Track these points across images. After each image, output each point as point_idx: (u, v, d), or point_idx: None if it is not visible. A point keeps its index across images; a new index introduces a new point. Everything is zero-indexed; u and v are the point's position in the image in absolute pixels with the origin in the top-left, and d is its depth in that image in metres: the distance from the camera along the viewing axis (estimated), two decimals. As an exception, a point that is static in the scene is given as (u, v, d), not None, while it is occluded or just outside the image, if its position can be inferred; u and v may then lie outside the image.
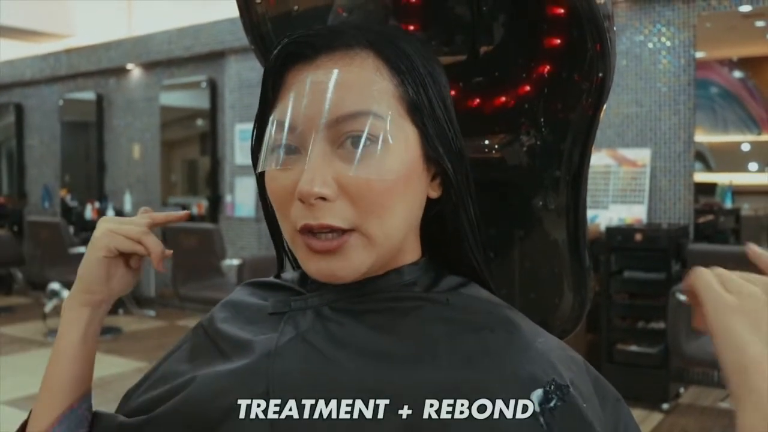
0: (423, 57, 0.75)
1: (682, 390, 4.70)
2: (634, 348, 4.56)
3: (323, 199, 0.68)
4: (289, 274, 0.86)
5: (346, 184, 0.69)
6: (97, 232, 0.83)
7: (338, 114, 0.69)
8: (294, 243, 0.73)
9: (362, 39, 0.73)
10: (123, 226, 0.83)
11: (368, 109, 0.70)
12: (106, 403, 0.86)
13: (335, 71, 0.71)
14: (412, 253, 0.78)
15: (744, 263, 0.69)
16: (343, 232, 0.70)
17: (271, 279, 0.86)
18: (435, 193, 0.77)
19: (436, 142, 0.74)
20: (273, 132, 0.73)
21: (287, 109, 0.72)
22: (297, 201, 0.70)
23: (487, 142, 0.89)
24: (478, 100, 0.88)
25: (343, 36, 0.73)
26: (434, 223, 0.79)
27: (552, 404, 0.65)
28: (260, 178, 0.78)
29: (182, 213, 0.90)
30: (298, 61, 0.73)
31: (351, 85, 0.70)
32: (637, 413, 4.24)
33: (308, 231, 0.70)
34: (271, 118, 0.74)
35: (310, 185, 0.67)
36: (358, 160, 0.69)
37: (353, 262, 0.71)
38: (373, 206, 0.70)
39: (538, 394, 0.65)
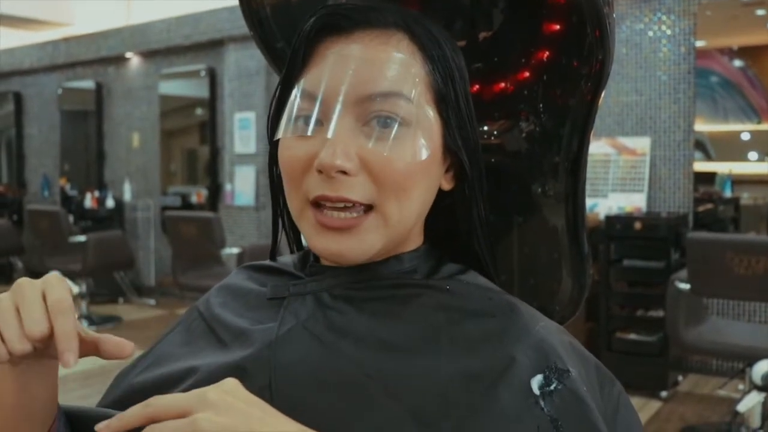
0: (452, 49, 0.75)
1: (680, 378, 4.72)
2: (633, 336, 4.58)
3: (343, 173, 0.68)
4: (286, 258, 0.85)
5: (368, 161, 0.68)
6: None
7: (370, 91, 0.69)
8: (302, 216, 0.72)
9: (399, 20, 0.72)
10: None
11: (401, 91, 0.69)
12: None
13: (372, 48, 0.70)
14: (415, 241, 0.78)
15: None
16: (361, 208, 0.69)
17: (268, 262, 0.85)
18: (447, 185, 0.77)
19: (457, 134, 0.74)
20: (297, 101, 0.72)
21: (316, 80, 0.71)
22: (314, 172, 0.69)
23: (486, 128, 0.89)
24: (477, 87, 0.88)
25: (381, 13, 0.72)
26: (440, 213, 0.79)
27: (552, 388, 0.65)
28: (272, 148, 0.77)
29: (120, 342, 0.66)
30: (332, 32, 0.72)
31: (386, 64, 0.70)
32: (636, 401, 4.25)
33: (321, 205, 0.69)
34: (296, 87, 0.73)
35: (332, 158, 0.67)
36: (385, 140, 0.69)
37: (364, 243, 0.70)
38: (394, 186, 0.69)
39: (538, 378, 0.65)
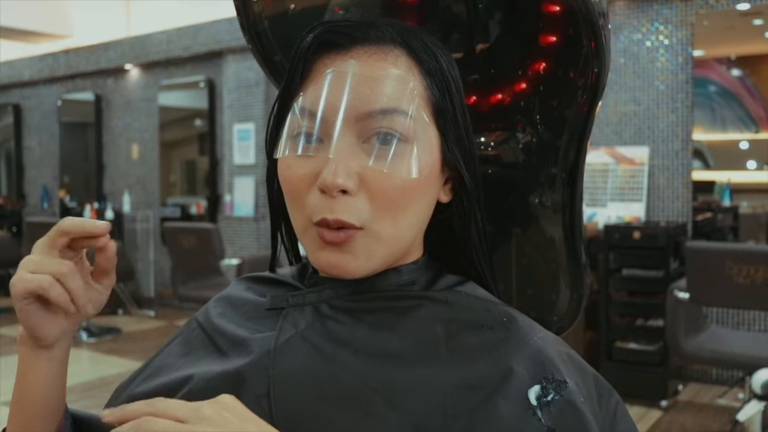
0: (447, 61, 0.76)
1: (680, 387, 4.71)
2: (632, 345, 4.57)
3: (344, 192, 0.68)
4: (285, 270, 0.86)
5: (368, 180, 0.69)
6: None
7: (370, 109, 0.69)
8: (305, 233, 0.73)
9: (396, 36, 0.73)
10: (34, 271, 0.68)
11: (400, 108, 0.70)
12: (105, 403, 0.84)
13: (370, 65, 0.71)
14: (414, 253, 0.79)
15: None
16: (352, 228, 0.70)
17: (268, 273, 0.85)
18: (446, 198, 0.78)
19: (455, 147, 0.74)
20: (296, 118, 0.72)
21: (315, 97, 0.71)
22: (316, 191, 0.69)
23: (483, 139, 0.89)
24: (474, 98, 0.89)
25: (379, 29, 0.73)
26: (438, 225, 0.79)
27: (549, 399, 0.65)
28: (271, 164, 0.77)
29: (101, 226, 0.70)
30: (330, 49, 0.73)
31: (385, 81, 0.70)
32: (636, 410, 4.24)
33: (324, 225, 0.70)
34: (295, 104, 0.73)
35: (333, 177, 0.67)
36: (384, 157, 0.69)
37: (361, 257, 0.71)
38: (390, 204, 0.70)
39: (535, 389, 0.66)
